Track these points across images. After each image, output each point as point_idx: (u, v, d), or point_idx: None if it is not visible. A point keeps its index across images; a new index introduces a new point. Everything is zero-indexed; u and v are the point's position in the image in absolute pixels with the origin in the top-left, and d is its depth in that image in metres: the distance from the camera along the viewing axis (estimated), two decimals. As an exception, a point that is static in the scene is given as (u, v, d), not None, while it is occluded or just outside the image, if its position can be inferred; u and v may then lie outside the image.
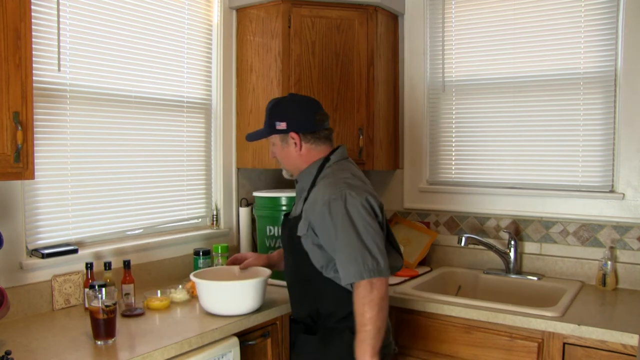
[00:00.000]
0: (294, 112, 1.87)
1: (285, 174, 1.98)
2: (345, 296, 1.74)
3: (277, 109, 1.88)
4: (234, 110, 2.81)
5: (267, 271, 2.09)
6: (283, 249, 2.01)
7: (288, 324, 2.16)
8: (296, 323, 1.93)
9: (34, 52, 1.69)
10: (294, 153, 1.87)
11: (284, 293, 2.23)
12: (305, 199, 1.82)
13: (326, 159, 1.86)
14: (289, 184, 3.17)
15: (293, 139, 1.85)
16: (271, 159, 2.62)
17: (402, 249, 2.11)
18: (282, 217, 2.03)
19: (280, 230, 2.08)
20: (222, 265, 2.41)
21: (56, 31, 2.03)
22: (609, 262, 2.36)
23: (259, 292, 1.99)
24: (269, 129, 1.88)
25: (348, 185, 1.72)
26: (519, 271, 2.60)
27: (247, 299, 1.95)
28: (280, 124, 1.85)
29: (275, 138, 1.89)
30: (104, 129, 2.25)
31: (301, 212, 1.82)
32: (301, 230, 1.79)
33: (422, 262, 2.81)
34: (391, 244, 1.88)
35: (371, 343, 1.62)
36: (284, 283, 2.35)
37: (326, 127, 1.89)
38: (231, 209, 2.82)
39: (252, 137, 1.97)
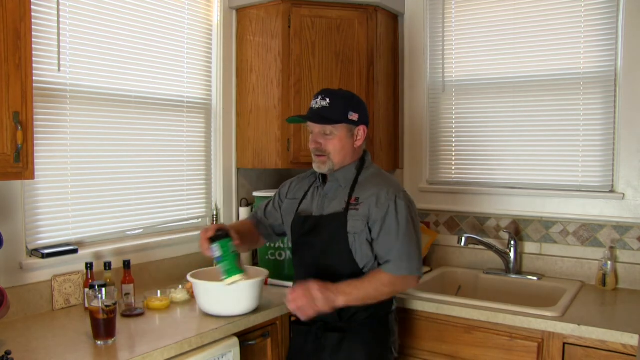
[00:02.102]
0: (363, 106, 1.91)
1: (321, 167, 1.88)
2: None
3: (350, 99, 1.88)
4: (234, 110, 2.81)
5: (264, 272, 2.09)
6: (301, 248, 1.93)
7: (288, 324, 2.16)
8: (307, 324, 1.90)
9: (34, 52, 1.69)
10: (351, 146, 1.88)
11: (284, 293, 2.23)
12: (350, 196, 1.84)
13: (362, 161, 1.93)
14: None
15: (360, 132, 1.88)
16: (271, 159, 2.64)
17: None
18: (296, 217, 1.95)
19: (291, 231, 1.98)
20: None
21: (56, 31, 2.03)
22: (609, 262, 2.36)
23: (256, 293, 1.98)
24: (341, 117, 1.83)
25: (402, 188, 1.89)
26: (519, 271, 2.60)
27: (244, 299, 1.95)
28: (353, 114, 1.85)
29: (340, 128, 1.84)
30: (104, 129, 2.25)
31: (347, 209, 1.82)
32: (357, 227, 1.80)
33: (422, 262, 2.79)
34: None
35: (351, 300, 1.74)
36: (285, 283, 2.36)
37: None
38: (231, 209, 2.82)
39: (316, 119, 1.84)
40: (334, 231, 1.83)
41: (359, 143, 1.89)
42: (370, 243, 1.82)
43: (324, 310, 1.70)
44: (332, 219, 1.84)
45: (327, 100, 1.82)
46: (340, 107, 1.83)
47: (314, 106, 1.85)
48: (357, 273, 1.82)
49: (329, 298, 1.69)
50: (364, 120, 1.89)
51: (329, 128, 1.83)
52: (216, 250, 1.74)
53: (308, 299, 1.68)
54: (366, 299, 1.77)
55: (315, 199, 1.94)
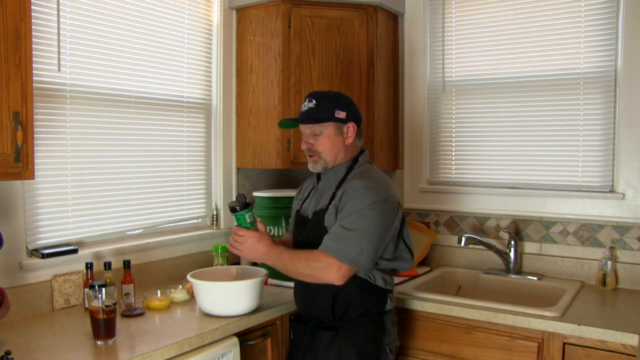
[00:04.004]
0: (351, 105, 1.93)
1: (314, 167, 1.92)
2: (368, 289, 1.83)
3: (336, 99, 1.91)
4: (234, 110, 2.81)
5: (264, 272, 2.09)
6: (296, 246, 1.98)
7: (288, 324, 2.16)
8: (304, 322, 1.93)
9: (34, 52, 1.69)
10: (341, 144, 1.90)
11: (284, 293, 2.24)
12: (333, 194, 1.87)
13: (355, 161, 1.94)
14: (288, 184, 3.17)
15: (349, 129, 1.89)
16: (271, 159, 2.64)
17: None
18: (295, 214, 2.03)
19: (285, 229, 2.05)
20: (222, 265, 2.41)
21: (56, 31, 2.03)
22: (609, 262, 2.36)
23: (256, 293, 1.98)
24: (328, 116, 1.86)
25: (382, 186, 1.84)
26: (519, 271, 2.60)
27: (244, 299, 1.95)
28: (340, 112, 1.87)
29: (328, 126, 1.88)
30: (104, 129, 2.25)
31: (328, 205, 1.85)
32: (331, 220, 1.82)
33: (422, 262, 2.81)
34: (405, 243, 1.93)
35: (271, 263, 1.83)
36: (285, 283, 2.36)
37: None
38: (231, 209, 2.82)
39: (302, 120, 1.89)
40: (317, 228, 1.87)
41: (349, 140, 1.91)
42: None
43: (249, 259, 1.87)
44: (315, 216, 1.89)
45: (314, 101, 1.88)
46: (327, 107, 1.87)
47: (302, 109, 1.91)
48: None
49: (254, 253, 1.83)
50: (353, 118, 1.91)
51: (317, 128, 1.88)
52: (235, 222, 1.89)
53: (245, 244, 1.83)
54: (284, 269, 1.81)
55: (312, 198, 1.99)
